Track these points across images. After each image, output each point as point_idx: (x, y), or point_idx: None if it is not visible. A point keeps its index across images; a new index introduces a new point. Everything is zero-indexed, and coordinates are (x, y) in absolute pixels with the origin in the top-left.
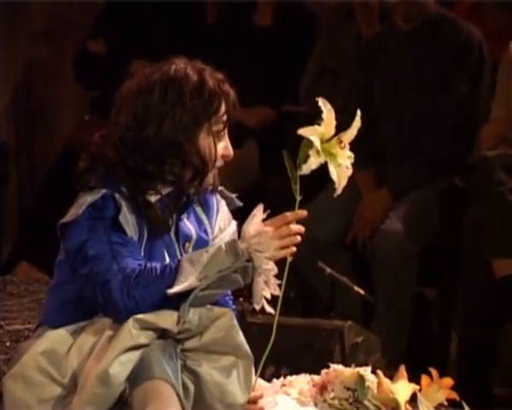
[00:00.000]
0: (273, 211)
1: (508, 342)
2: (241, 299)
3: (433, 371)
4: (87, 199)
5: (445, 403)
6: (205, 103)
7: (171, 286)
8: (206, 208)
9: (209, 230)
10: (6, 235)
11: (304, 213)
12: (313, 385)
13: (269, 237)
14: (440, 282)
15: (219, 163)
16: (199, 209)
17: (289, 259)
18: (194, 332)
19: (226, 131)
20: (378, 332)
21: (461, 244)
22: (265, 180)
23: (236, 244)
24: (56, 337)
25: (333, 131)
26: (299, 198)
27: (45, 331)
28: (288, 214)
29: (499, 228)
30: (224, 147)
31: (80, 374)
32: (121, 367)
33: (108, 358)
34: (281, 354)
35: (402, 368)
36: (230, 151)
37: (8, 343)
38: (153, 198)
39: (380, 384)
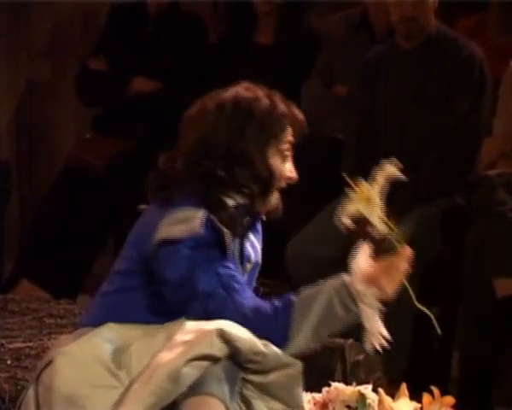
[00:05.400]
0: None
1: (509, 361)
2: None
3: (435, 390)
4: (187, 222)
5: None
6: (274, 121)
7: (283, 333)
8: (256, 233)
9: (259, 254)
10: (8, 253)
11: (408, 250)
12: (314, 404)
13: (378, 290)
14: (442, 300)
15: (283, 184)
16: (250, 233)
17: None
18: (262, 368)
19: (291, 154)
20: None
21: (462, 262)
22: None
23: (346, 298)
24: (119, 330)
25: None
26: (398, 245)
27: (105, 324)
28: (396, 259)
29: (500, 247)
30: (288, 169)
31: (137, 372)
32: (192, 371)
33: (183, 358)
34: None
35: (403, 386)
36: (294, 174)
37: (9, 361)
38: (229, 201)
39: (381, 403)
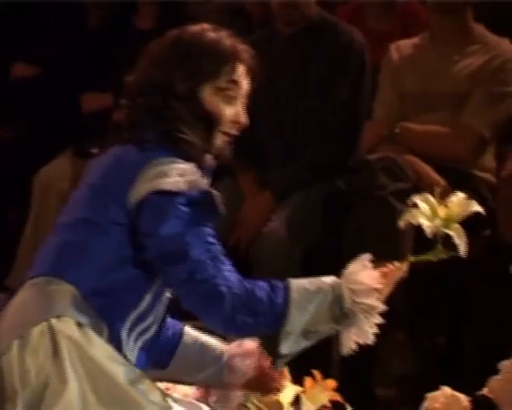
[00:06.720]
0: None
1: (388, 344)
2: None
3: (317, 373)
4: (185, 176)
5: (329, 405)
6: (212, 56)
7: (274, 325)
8: None
9: None
10: None
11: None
12: (197, 388)
13: (376, 298)
14: None
15: (230, 129)
16: None
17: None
18: None
19: (242, 98)
20: (260, 335)
21: (344, 247)
22: None
23: (343, 303)
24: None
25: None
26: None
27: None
28: (398, 271)
29: (381, 231)
30: (235, 113)
31: None
32: None
33: None
34: None
35: (284, 370)
36: (242, 118)
37: None
38: (190, 137)
39: None
